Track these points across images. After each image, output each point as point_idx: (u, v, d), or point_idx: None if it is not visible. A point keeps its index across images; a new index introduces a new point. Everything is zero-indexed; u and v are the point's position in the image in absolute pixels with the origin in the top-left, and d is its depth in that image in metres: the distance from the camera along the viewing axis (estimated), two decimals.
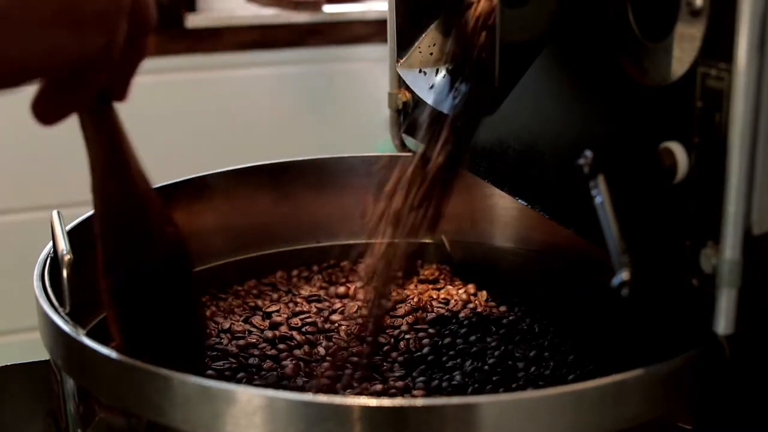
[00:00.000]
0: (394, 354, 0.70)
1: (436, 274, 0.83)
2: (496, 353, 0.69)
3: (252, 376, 0.66)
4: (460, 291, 0.80)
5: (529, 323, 0.73)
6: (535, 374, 0.66)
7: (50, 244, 0.66)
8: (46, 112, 0.50)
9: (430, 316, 0.75)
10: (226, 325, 0.73)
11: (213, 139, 1.77)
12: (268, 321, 0.74)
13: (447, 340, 0.71)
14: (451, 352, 0.69)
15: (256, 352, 0.69)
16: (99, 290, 0.59)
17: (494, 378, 0.65)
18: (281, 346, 0.70)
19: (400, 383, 0.65)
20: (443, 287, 0.81)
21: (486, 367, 0.67)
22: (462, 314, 0.75)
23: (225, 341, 0.71)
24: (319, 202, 0.86)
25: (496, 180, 0.71)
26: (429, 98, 0.79)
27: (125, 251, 0.59)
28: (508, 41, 0.64)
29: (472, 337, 0.71)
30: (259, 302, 0.78)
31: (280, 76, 1.84)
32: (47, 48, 0.46)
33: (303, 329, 0.73)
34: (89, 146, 0.55)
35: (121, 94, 0.54)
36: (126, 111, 0.57)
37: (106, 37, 0.48)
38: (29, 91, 0.52)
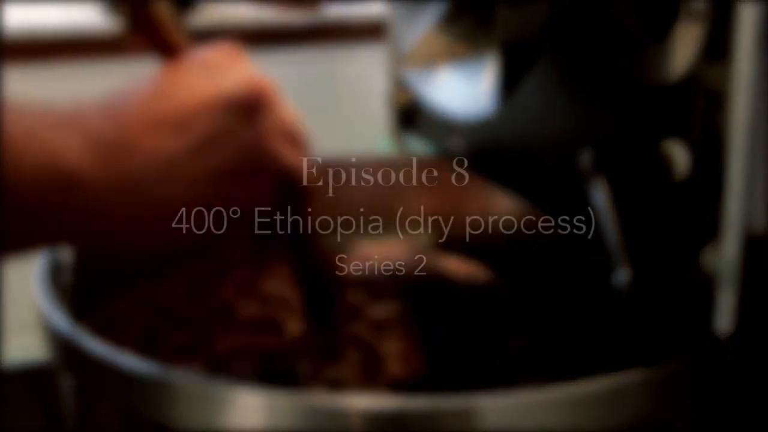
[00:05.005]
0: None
1: None
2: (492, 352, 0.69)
3: None
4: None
5: (527, 322, 0.73)
6: (531, 372, 0.66)
7: None
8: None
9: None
10: None
11: None
12: None
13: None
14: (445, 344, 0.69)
15: None
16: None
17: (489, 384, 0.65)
18: None
19: None
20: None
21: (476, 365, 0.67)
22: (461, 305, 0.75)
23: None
24: (319, 202, 0.86)
25: (496, 180, 0.71)
26: (430, 98, 0.79)
27: None
28: (508, 41, 0.64)
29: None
30: None
31: (280, 76, 1.84)
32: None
33: None
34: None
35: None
36: None
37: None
38: None
